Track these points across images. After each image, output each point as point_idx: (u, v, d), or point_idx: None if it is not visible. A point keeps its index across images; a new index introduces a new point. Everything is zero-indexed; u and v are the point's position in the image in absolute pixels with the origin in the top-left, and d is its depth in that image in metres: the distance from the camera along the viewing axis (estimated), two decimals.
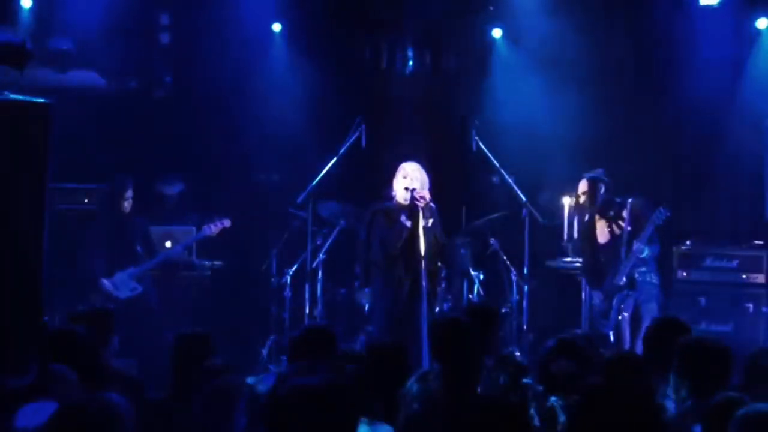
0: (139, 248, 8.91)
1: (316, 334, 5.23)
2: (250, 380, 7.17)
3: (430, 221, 7.74)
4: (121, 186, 8.93)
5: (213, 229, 9.06)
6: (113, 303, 8.64)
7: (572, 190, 9.40)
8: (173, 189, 9.79)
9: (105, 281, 8.69)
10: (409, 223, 7.68)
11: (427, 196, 7.76)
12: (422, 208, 7.66)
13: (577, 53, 10.05)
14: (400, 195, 7.90)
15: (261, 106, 10.51)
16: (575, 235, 9.38)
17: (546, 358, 5.00)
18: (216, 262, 9.78)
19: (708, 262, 9.29)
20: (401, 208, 7.82)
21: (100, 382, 4.51)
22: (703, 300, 9.24)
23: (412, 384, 4.56)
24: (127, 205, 8.93)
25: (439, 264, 8.48)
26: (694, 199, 9.90)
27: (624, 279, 8.27)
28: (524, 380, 5.19)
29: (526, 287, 9.27)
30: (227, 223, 9.13)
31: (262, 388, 4.49)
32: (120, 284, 8.74)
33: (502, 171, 9.15)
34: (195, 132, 10.36)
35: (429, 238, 7.67)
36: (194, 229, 9.50)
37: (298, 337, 5.36)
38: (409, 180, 7.81)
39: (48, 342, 4.60)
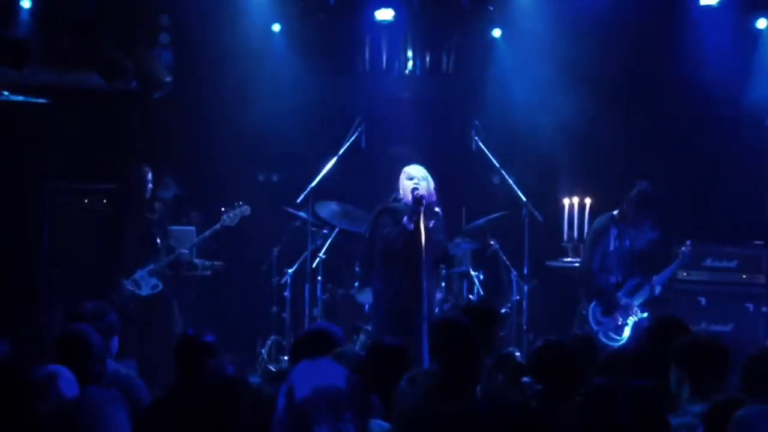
0: (159, 242, 8.90)
1: (320, 335, 5.22)
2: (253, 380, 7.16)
3: (432, 223, 7.72)
4: (142, 172, 8.93)
5: (233, 217, 8.97)
6: (135, 301, 8.64)
7: (572, 190, 9.40)
8: (168, 193, 9.76)
9: (127, 281, 8.68)
10: (411, 225, 7.67)
11: (426, 194, 7.71)
12: (425, 210, 7.64)
13: (576, 53, 10.05)
14: (407, 196, 7.88)
15: (261, 106, 10.51)
16: (575, 235, 9.38)
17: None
18: (216, 262, 9.77)
19: (708, 262, 9.29)
20: (406, 209, 7.81)
21: (98, 382, 4.51)
22: (703, 300, 9.24)
23: (403, 385, 4.56)
24: (148, 190, 8.94)
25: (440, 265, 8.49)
26: (694, 199, 9.90)
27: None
28: (524, 379, 5.18)
29: (526, 287, 9.27)
30: (247, 211, 9.04)
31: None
32: (141, 282, 8.73)
33: (502, 171, 9.15)
34: (195, 132, 10.36)
35: (430, 239, 7.65)
36: (194, 229, 9.49)
37: (303, 337, 5.36)
38: (415, 181, 7.80)
39: (46, 342, 4.61)
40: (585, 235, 9.23)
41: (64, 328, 5.11)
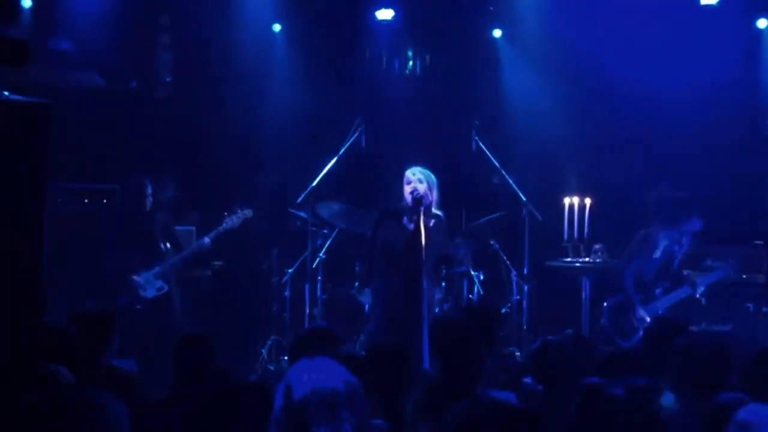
0: (162, 246, 8.88)
1: (320, 335, 5.22)
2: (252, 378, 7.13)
3: (432, 222, 7.72)
4: (141, 184, 8.90)
5: (235, 220, 8.95)
6: (140, 303, 8.63)
7: (572, 190, 9.40)
8: (167, 194, 9.75)
9: (135, 278, 8.67)
10: (411, 226, 7.67)
11: (425, 194, 7.70)
12: (424, 209, 7.64)
13: (576, 53, 10.05)
14: (408, 198, 7.87)
15: (261, 106, 10.51)
16: (575, 235, 9.38)
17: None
18: (216, 262, 9.76)
19: (708, 262, 9.28)
20: (407, 210, 7.81)
21: (98, 382, 4.50)
22: (703, 300, 9.23)
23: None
24: (148, 202, 8.92)
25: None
26: (694, 199, 9.89)
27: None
28: (525, 380, 5.18)
29: (526, 287, 9.27)
30: (249, 213, 9.02)
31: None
32: (147, 284, 8.71)
33: (502, 171, 9.15)
34: (195, 132, 10.36)
35: (431, 239, 7.64)
36: (194, 229, 9.47)
37: (302, 336, 5.36)
38: (413, 184, 7.79)
39: (45, 342, 4.59)
40: (585, 234, 9.24)
41: (59, 328, 5.10)
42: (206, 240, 8.93)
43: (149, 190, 8.92)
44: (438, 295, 8.68)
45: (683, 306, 8.76)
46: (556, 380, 4.66)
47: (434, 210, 7.79)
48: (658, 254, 8.52)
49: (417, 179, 7.76)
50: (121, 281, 8.67)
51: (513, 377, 5.26)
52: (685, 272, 8.59)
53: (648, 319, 8.35)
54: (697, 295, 8.45)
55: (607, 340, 8.26)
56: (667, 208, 8.46)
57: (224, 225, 8.88)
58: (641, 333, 8.25)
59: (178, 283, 8.94)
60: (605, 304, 8.61)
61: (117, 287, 8.64)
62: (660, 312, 8.35)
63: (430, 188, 7.75)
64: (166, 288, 8.77)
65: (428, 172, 7.83)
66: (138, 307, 8.61)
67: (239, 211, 8.95)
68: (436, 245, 7.72)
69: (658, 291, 8.48)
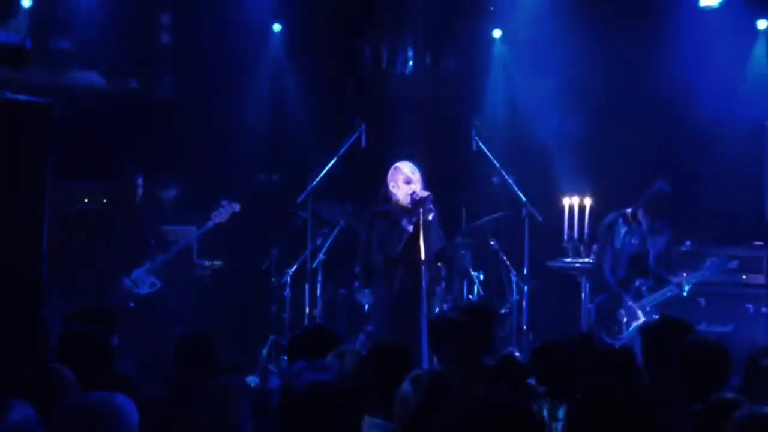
0: (152, 242, 8.89)
1: (319, 334, 5.21)
2: (250, 379, 7.16)
3: (431, 215, 7.71)
4: (130, 179, 8.92)
5: (223, 214, 8.97)
6: (133, 300, 8.64)
7: (571, 190, 9.40)
8: (169, 193, 9.76)
9: (125, 280, 8.68)
10: (410, 228, 7.66)
11: (426, 194, 7.71)
12: (423, 209, 7.64)
13: (576, 54, 10.05)
14: (403, 198, 7.85)
15: (261, 106, 10.51)
16: (575, 235, 9.38)
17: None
18: (216, 262, 9.76)
19: (708, 262, 9.28)
20: (402, 211, 7.80)
21: (100, 382, 4.50)
22: (703, 300, 9.23)
23: (406, 386, 4.56)
24: (138, 195, 8.93)
25: (439, 264, 8.50)
26: (694, 199, 9.90)
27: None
28: (528, 381, 5.18)
29: (526, 287, 9.26)
30: (236, 207, 9.03)
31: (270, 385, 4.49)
32: (139, 281, 8.72)
33: (502, 171, 9.15)
34: (195, 132, 10.36)
35: (429, 234, 7.64)
36: (194, 228, 9.48)
37: (300, 335, 5.36)
38: (413, 185, 7.78)
39: (46, 342, 4.60)
40: (585, 235, 9.24)
41: (75, 329, 5.10)
42: (193, 237, 8.96)
43: (140, 181, 8.92)
44: (438, 295, 8.70)
45: (683, 306, 8.77)
46: (559, 381, 4.66)
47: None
48: (618, 244, 8.55)
49: (417, 179, 7.77)
50: (112, 280, 8.68)
51: (514, 378, 5.25)
52: (684, 273, 8.60)
53: (639, 316, 8.38)
54: (684, 294, 8.48)
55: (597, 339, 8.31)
56: (658, 199, 8.51)
57: (212, 220, 8.91)
58: (629, 330, 8.34)
59: (171, 279, 8.95)
60: (591, 304, 8.65)
61: (109, 286, 8.65)
62: (647, 309, 8.39)
63: (423, 184, 7.77)
64: (159, 284, 8.77)
65: (415, 167, 7.85)
66: (131, 304, 8.62)
67: (226, 205, 8.96)
68: (436, 236, 7.74)
69: (643, 289, 8.50)
